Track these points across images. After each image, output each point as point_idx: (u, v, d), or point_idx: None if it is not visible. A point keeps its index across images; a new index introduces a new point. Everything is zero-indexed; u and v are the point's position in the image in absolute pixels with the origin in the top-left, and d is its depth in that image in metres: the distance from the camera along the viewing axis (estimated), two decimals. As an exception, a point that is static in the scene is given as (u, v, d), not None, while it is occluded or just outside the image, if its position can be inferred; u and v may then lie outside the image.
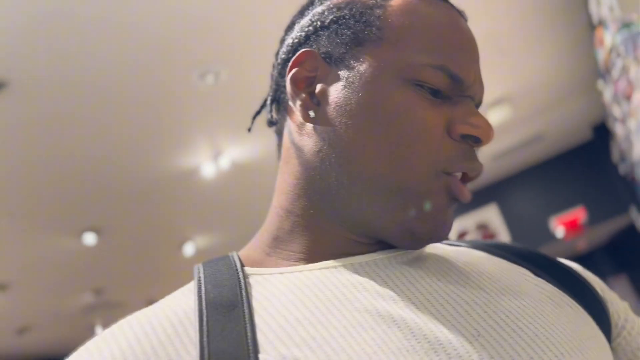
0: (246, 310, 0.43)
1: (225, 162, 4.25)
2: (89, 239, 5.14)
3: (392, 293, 0.45)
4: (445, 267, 0.50)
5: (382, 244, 0.51)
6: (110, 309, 7.56)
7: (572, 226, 5.78)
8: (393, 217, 0.48)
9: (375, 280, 0.46)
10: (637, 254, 5.89)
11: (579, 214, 5.78)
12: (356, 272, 0.47)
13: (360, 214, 0.49)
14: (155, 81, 3.24)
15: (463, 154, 0.49)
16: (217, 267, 0.49)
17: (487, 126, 0.49)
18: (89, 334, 8.57)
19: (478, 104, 0.53)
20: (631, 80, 3.06)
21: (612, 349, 0.54)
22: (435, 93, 0.49)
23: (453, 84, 0.49)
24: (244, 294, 0.44)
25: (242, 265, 0.49)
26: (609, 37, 2.93)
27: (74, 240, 5.18)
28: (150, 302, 0.50)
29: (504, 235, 6.00)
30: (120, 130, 3.64)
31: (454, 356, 0.40)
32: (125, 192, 4.52)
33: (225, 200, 5.20)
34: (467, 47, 0.51)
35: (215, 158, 4.25)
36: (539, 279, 0.53)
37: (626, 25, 2.51)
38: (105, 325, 8.42)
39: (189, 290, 0.48)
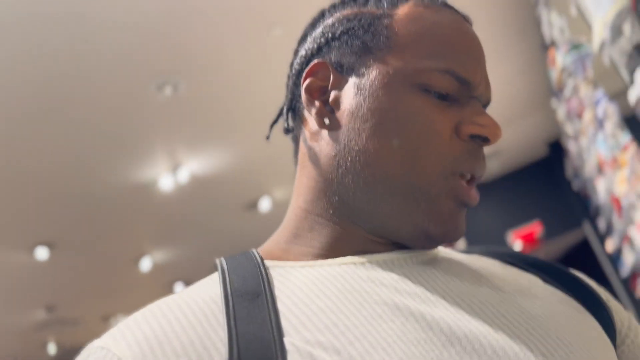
0: (269, 298, 0.44)
1: (183, 175, 4.18)
2: (42, 253, 4.97)
3: (409, 289, 0.46)
4: (459, 269, 0.52)
5: (397, 244, 0.53)
6: (64, 326, 7.31)
7: (529, 240, 5.91)
8: (408, 218, 0.50)
9: (393, 277, 0.48)
10: (591, 268, 6.07)
11: (535, 228, 5.91)
12: (375, 269, 0.49)
13: (376, 215, 0.51)
14: (111, 92, 3.17)
15: (470, 154, 0.51)
16: (239, 260, 0.50)
17: (494, 125, 0.51)
18: (42, 351, 8.23)
19: (486, 104, 0.56)
20: (582, 100, 3.17)
21: (617, 355, 0.55)
22: (444, 96, 0.51)
23: (460, 87, 0.51)
24: (266, 284, 0.46)
25: (262, 259, 0.51)
26: (560, 58, 3.02)
27: (26, 254, 4.99)
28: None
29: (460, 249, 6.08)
30: (75, 141, 3.53)
31: (470, 349, 0.42)
32: (79, 205, 4.39)
33: (183, 214, 5.10)
34: (472, 50, 0.53)
35: (173, 171, 4.17)
36: (548, 286, 0.56)
37: (575, 46, 2.59)
38: (59, 342, 8.11)
39: (213, 281, 0.49)
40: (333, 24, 0.56)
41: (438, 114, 0.50)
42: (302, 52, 0.58)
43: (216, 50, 3.08)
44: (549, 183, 5.99)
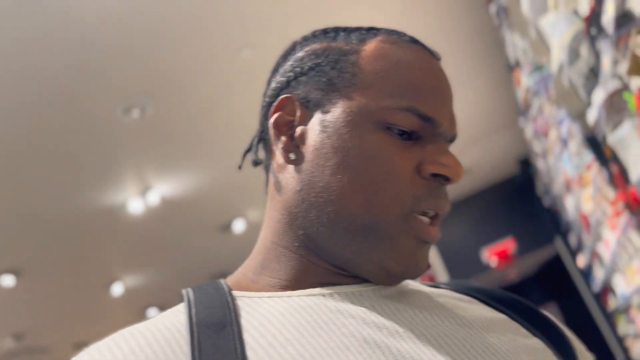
0: (235, 329, 0.44)
1: (154, 197, 4.12)
2: (7, 280, 4.82)
3: (377, 321, 0.47)
4: (426, 302, 0.53)
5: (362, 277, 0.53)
6: (33, 355, 7.09)
7: (502, 256, 5.96)
8: (369, 256, 0.50)
9: (361, 309, 0.48)
10: (565, 283, 6.14)
11: (508, 244, 5.98)
12: (342, 300, 0.49)
13: (339, 251, 0.51)
14: (77, 115, 3.12)
15: (431, 193, 0.51)
16: (206, 290, 0.50)
17: (456, 165, 0.52)
18: (9, 382, 7.95)
19: (451, 140, 0.56)
20: (547, 119, 3.23)
21: None
22: (407, 134, 0.51)
23: (424, 124, 0.51)
24: (233, 314, 0.46)
25: (230, 290, 0.51)
26: (524, 78, 3.09)
27: (-9, 282, 4.84)
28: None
29: (438, 267, 6.11)
30: (42, 164, 3.46)
31: None
32: (46, 230, 4.29)
33: (155, 237, 5.02)
34: (436, 87, 0.54)
35: (143, 194, 4.11)
36: (515, 323, 0.56)
37: (538, 67, 2.65)
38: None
39: (178, 311, 0.49)
40: (302, 58, 0.56)
41: (399, 153, 0.50)
42: (273, 85, 0.59)
43: (184, 71, 3.07)
44: (520, 200, 6.08)
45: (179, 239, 5.19)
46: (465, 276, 6.11)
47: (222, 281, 0.53)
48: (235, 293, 0.51)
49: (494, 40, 3.56)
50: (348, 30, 0.57)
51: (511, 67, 3.53)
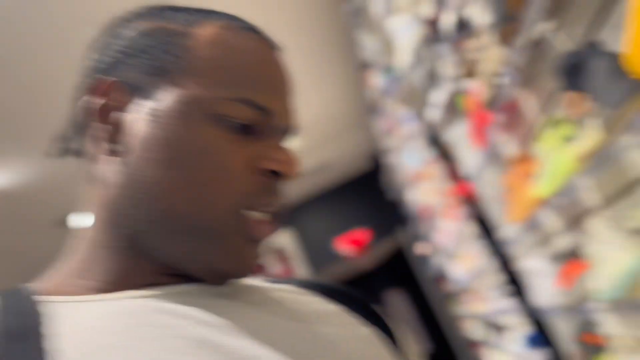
0: (41, 338, 0.40)
1: (-23, 189, 3.63)
2: None
3: (210, 320, 0.44)
4: (260, 298, 0.52)
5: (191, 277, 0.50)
6: None
7: (355, 246, 6.29)
8: (197, 256, 0.48)
9: (192, 309, 0.45)
10: (408, 270, 6.68)
11: (361, 235, 6.32)
12: (171, 301, 0.46)
13: (167, 250, 0.48)
14: None
15: (265, 189, 0.49)
16: (6, 297, 0.46)
17: (291, 161, 0.49)
18: None
19: (291, 132, 0.54)
20: (394, 118, 3.44)
21: None
22: (242, 127, 0.48)
23: (260, 117, 0.49)
24: (36, 322, 0.42)
25: (38, 294, 0.46)
26: (375, 79, 3.25)
27: None
28: None
29: (297, 258, 6.25)
30: None
31: None
32: None
33: (-20, 234, 4.44)
34: (273, 78, 0.51)
35: (-36, 185, 3.60)
36: (350, 314, 0.57)
37: (387, 68, 2.79)
38: None
39: None
40: (131, 38, 0.50)
41: (231, 148, 0.48)
42: (93, 63, 0.52)
43: (20, 45, 2.73)
44: (372, 193, 6.46)
45: (7, 236, 4.65)
46: (322, 266, 6.34)
47: (26, 286, 0.48)
48: (43, 298, 0.46)
49: (347, 40, 3.69)
50: (184, 11, 0.52)
51: (363, 67, 3.69)
